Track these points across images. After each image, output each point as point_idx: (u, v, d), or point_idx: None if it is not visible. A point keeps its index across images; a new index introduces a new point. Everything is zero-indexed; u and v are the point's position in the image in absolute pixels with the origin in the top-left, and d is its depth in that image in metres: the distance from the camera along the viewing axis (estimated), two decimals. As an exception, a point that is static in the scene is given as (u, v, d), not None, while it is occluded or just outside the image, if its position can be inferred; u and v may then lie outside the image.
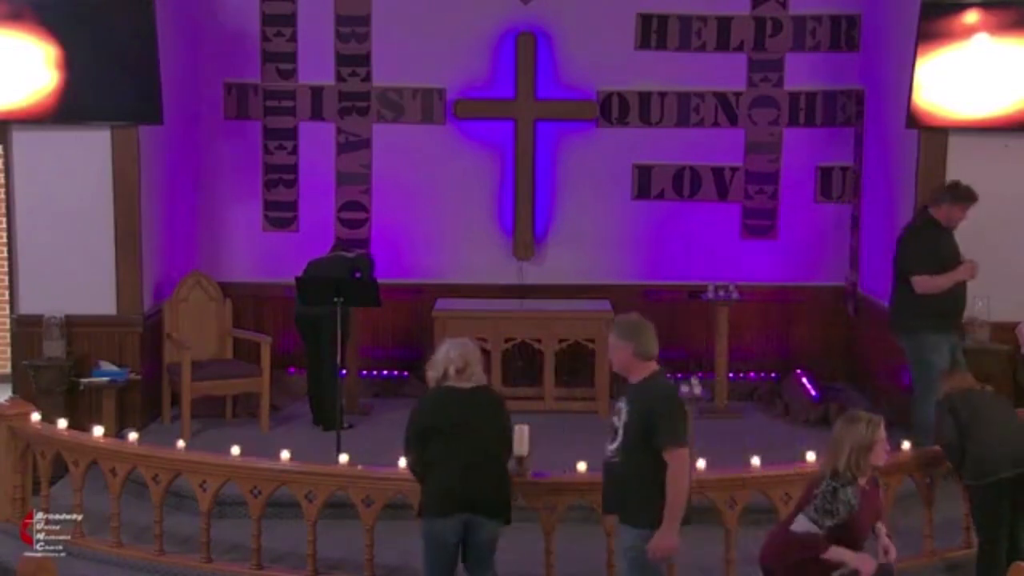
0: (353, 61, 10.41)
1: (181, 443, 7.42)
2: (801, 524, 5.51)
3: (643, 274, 10.54)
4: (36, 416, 7.61)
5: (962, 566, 6.98)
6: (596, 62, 10.38)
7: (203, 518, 6.96)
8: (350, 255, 9.50)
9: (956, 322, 8.20)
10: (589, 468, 6.82)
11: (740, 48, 10.41)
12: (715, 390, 9.61)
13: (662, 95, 10.44)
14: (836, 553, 5.41)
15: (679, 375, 8.77)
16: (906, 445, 7.24)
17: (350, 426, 8.96)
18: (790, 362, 10.49)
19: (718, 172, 10.52)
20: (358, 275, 9.11)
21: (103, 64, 8.68)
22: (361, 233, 10.49)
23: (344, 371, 8.91)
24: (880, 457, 5.57)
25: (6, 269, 9.66)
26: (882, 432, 5.58)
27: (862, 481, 5.51)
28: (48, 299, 8.88)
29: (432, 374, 6.05)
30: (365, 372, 10.14)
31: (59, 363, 8.81)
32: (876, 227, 9.86)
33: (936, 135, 8.80)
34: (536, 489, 6.63)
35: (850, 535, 5.47)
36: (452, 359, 5.97)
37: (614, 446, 5.70)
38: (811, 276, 10.58)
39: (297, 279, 8.78)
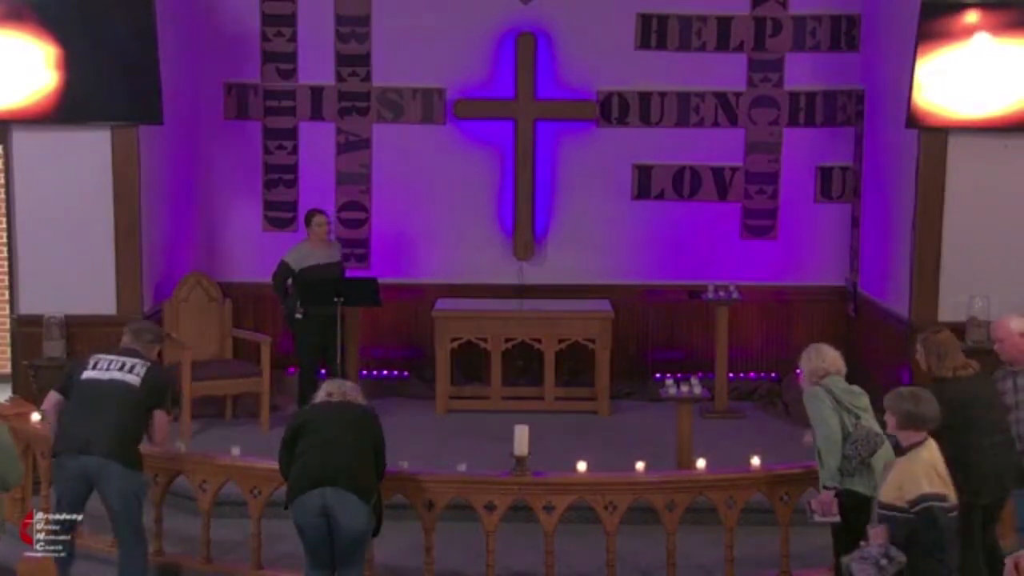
0: (353, 61, 10.41)
1: (181, 443, 7.41)
2: None
3: (643, 274, 10.54)
4: (36, 416, 7.60)
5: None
6: (596, 62, 10.38)
7: (203, 518, 6.97)
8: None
9: None
10: (589, 468, 6.82)
11: (740, 48, 10.41)
12: (715, 390, 9.60)
13: (662, 95, 10.43)
14: None
15: (679, 375, 8.75)
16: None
17: None
18: (790, 362, 10.36)
19: (718, 172, 10.52)
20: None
21: (103, 64, 8.68)
22: (361, 233, 10.49)
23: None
24: None
25: (6, 269, 9.66)
26: None
27: None
28: (48, 299, 8.87)
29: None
30: (365, 372, 10.14)
31: (59, 363, 8.78)
32: (876, 227, 9.85)
33: (936, 135, 8.80)
34: (536, 489, 6.63)
35: None
36: (331, 390, 6.35)
37: None
38: (811, 276, 10.57)
39: (298, 281, 8.76)
